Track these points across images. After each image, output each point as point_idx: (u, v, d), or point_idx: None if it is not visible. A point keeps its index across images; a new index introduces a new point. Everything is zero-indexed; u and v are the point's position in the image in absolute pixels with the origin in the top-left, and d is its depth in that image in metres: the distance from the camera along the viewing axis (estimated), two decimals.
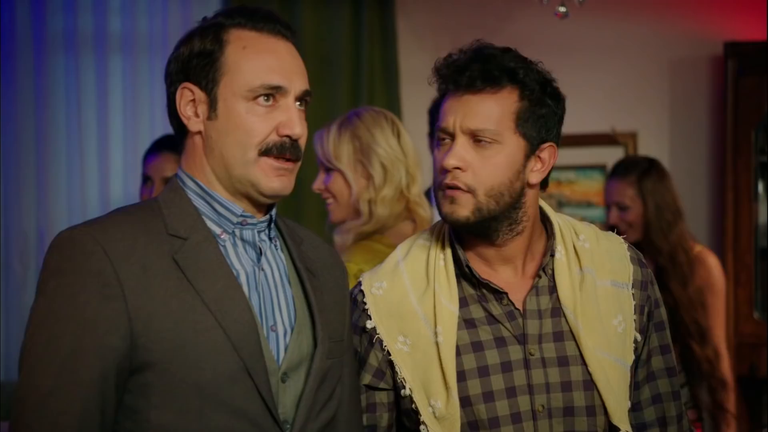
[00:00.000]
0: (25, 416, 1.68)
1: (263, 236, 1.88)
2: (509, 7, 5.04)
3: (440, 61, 2.07)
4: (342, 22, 4.92)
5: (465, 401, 2.02)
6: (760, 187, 5.05)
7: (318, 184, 2.93)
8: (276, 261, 1.88)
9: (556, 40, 4.73)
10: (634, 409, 2.13)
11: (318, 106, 4.55)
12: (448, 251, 2.10)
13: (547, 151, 2.08)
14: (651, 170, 3.85)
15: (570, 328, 2.06)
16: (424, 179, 4.98)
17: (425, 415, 2.02)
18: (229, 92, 1.81)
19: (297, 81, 1.84)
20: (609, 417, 2.05)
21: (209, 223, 1.83)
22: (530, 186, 2.08)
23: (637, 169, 3.86)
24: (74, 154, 4.50)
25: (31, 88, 4.49)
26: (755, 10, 4.97)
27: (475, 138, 2.02)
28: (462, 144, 2.03)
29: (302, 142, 1.85)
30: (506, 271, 2.10)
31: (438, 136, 2.08)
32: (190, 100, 1.84)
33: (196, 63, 1.83)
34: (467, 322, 2.06)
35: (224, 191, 1.84)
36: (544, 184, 2.13)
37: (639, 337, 2.11)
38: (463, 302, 2.07)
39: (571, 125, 5.53)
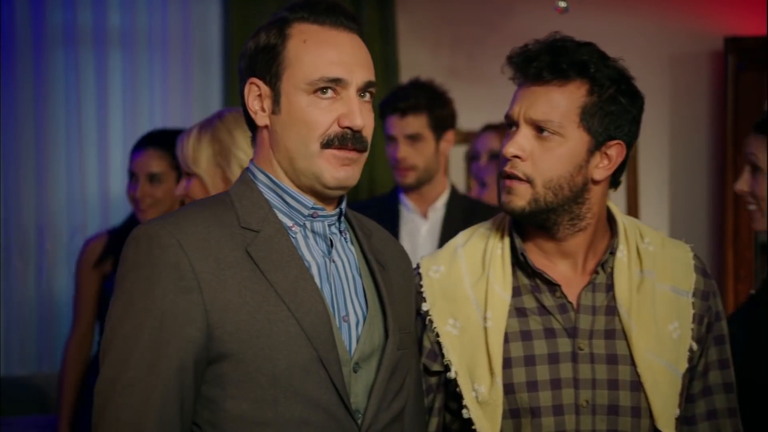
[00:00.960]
0: (108, 408, 1.72)
1: (333, 229, 1.90)
2: (509, 2, 5.03)
3: (514, 51, 2.07)
4: None
5: (508, 388, 2.02)
6: None
7: (179, 190, 2.71)
8: (346, 253, 1.90)
9: None
10: (689, 422, 2.12)
11: None
12: (507, 240, 2.10)
13: (614, 149, 2.05)
14: None
15: (623, 327, 2.04)
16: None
17: (468, 398, 2.03)
18: (291, 86, 1.83)
19: (358, 72, 1.84)
20: (654, 420, 2.03)
21: (280, 216, 1.85)
22: (594, 182, 2.06)
23: None
24: (74, 149, 4.50)
25: (31, 83, 4.49)
26: (755, 6, 4.96)
27: (538, 128, 2.02)
28: (524, 134, 2.02)
29: (366, 133, 1.85)
30: (564, 265, 2.09)
31: (506, 123, 2.08)
32: (257, 95, 1.87)
33: (260, 58, 1.86)
34: (518, 311, 2.06)
35: (292, 184, 1.87)
36: (615, 182, 2.11)
37: (695, 347, 2.09)
38: (517, 291, 2.07)
39: None
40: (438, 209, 3.70)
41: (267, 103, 1.86)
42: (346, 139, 1.82)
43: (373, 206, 3.75)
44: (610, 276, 2.08)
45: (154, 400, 1.71)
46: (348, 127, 1.82)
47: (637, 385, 2.03)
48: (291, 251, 1.82)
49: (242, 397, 1.75)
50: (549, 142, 2.01)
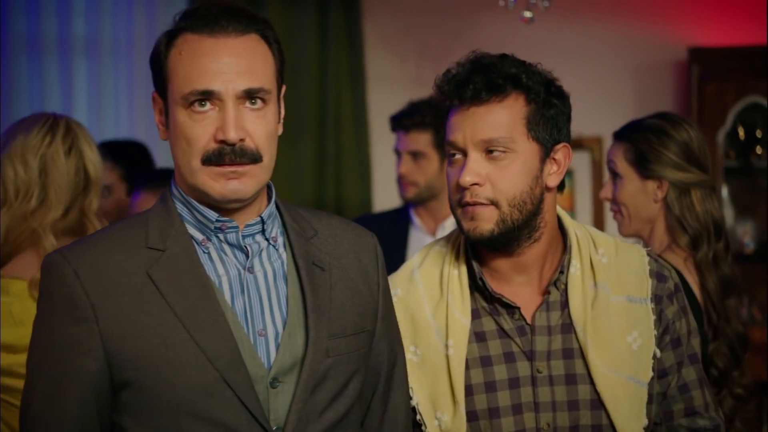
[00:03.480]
0: None
1: (258, 237, 1.80)
2: (475, 11, 5.05)
3: (440, 78, 2.03)
4: (308, 26, 4.91)
5: (471, 416, 2.00)
6: (725, 192, 5.08)
7: None
8: (271, 262, 1.81)
9: (522, 44, 4.71)
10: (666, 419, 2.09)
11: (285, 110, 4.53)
12: (463, 262, 2.07)
13: (561, 152, 2.04)
14: None
15: (579, 345, 2.02)
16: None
17: (431, 427, 2.00)
18: (172, 101, 1.74)
19: (235, 81, 1.72)
20: None
21: (192, 230, 1.78)
22: (548, 190, 2.04)
23: None
24: None
25: None
26: (719, 16, 5.01)
27: (488, 149, 1.98)
28: (475, 159, 1.98)
29: (252, 143, 1.74)
30: (522, 282, 2.06)
31: (448, 151, 2.03)
32: (159, 109, 1.80)
33: (154, 70, 1.79)
34: (477, 336, 2.03)
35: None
36: (561, 187, 2.08)
37: (659, 353, 2.06)
38: (476, 314, 2.04)
39: None
40: (447, 228, 3.64)
41: (163, 118, 1.78)
42: (223, 155, 1.71)
43: (383, 221, 3.75)
44: (564, 293, 2.05)
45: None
46: (223, 141, 1.72)
47: (597, 404, 2.00)
48: (195, 269, 1.74)
49: (146, 425, 1.71)
50: (502, 161, 1.98)
